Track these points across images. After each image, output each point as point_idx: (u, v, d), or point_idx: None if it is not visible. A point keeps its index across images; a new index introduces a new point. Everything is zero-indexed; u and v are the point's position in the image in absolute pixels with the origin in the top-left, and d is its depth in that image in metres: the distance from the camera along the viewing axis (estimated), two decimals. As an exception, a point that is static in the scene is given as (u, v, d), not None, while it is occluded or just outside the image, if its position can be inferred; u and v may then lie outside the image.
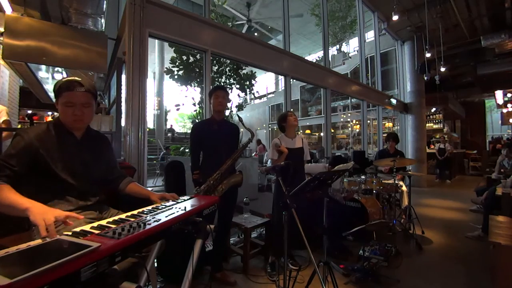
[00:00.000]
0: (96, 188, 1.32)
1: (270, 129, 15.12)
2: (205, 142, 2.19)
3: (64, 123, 1.22)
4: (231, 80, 5.74)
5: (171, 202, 1.29)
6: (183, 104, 5.93)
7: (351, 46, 14.18)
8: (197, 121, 5.18)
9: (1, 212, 0.98)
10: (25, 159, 1.10)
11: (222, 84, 5.52)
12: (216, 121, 2.22)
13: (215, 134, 2.17)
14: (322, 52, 6.14)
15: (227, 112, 5.64)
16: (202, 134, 2.21)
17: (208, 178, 1.97)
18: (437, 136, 11.85)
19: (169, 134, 13.23)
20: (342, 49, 14.02)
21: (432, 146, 10.55)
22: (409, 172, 3.64)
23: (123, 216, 1.06)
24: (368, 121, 9.02)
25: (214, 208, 1.36)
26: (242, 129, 2.39)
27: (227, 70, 5.69)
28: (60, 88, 1.16)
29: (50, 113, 7.12)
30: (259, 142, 9.91)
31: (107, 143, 1.46)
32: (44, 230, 0.81)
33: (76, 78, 1.18)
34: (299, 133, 14.06)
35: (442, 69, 6.98)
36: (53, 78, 4.17)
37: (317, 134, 14.43)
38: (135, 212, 1.12)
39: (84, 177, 1.25)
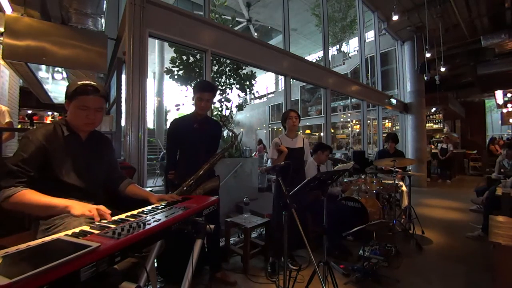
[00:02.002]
0: (98, 188, 1.33)
1: (270, 129, 15.12)
2: (183, 141, 2.06)
3: (73, 124, 1.24)
4: (231, 80, 5.73)
5: (170, 202, 1.29)
6: (183, 104, 5.92)
7: (351, 46, 14.18)
8: None
9: (32, 213, 1.09)
10: (38, 162, 1.11)
11: (222, 84, 5.51)
12: (197, 119, 2.09)
13: (194, 133, 2.04)
14: (322, 52, 6.14)
15: (227, 112, 5.64)
16: (180, 131, 2.07)
17: (183, 179, 1.84)
18: (437, 136, 11.85)
19: None
20: (342, 49, 14.02)
21: (432, 146, 10.54)
22: (409, 172, 3.64)
23: (123, 216, 1.06)
24: (368, 121, 9.03)
25: (214, 208, 1.37)
26: (242, 129, 2.37)
27: (227, 70, 5.68)
28: (76, 91, 1.17)
29: (50, 113, 7.12)
30: (260, 142, 9.92)
31: (109, 144, 1.47)
32: (97, 217, 0.98)
33: (92, 83, 1.20)
34: (299, 133, 14.05)
35: (442, 69, 6.98)
36: (53, 78, 4.18)
37: (317, 134, 14.44)
38: (135, 212, 1.12)
39: (88, 178, 1.26)
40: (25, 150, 1.10)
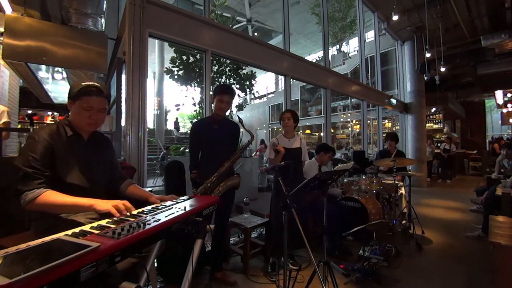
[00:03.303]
0: (101, 188, 1.33)
1: (270, 129, 15.12)
2: (204, 142, 2.16)
3: (76, 124, 1.25)
4: (231, 80, 5.73)
5: (170, 202, 1.29)
6: (183, 104, 5.93)
7: (351, 46, 14.20)
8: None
9: (57, 212, 1.10)
10: (48, 161, 1.13)
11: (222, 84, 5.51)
12: (216, 120, 2.19)
13: (214, 133, 2.15)
14: (322, 52, 6.14)
15: (227, 112, 5.64)
16: (201, 133, 2.18)
17: (205, 177, 1.95)
18: (437, 136, 11.84)
19: (174, 131, 13.16)
20: (342, 49, 14.03)
21: (433, 146, 10.54)
22: (409, 172, 3.64)
23: (122, 216, 1.06)
24: (368, 121, 9.03)
25: (214, 208, 1.36)
26: (242, 130, 2.38)
27: (227, 70, 5.68)
28: (80, 91, 1.18)
29: (50, 113, 7.11)
30: (262, 142, 9.89)
31: (110, 145, 1.48)
32: (117, 213, 1.02)
33: (96, 84, 1.22)
34: (299, 133, 14.07)
35: (442, 69, 6.98)
36: (53, 78, 4.17)
37: (317, 134, 14.44)
38: (135, 212, 1.12)
39: (91, 178, 1.26)
40: (34, 151, 1.10)
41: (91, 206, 1.05)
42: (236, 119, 2.62)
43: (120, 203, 1.07)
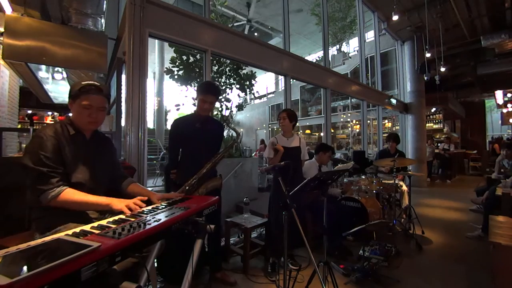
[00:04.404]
0: (101, 187, 1.34)
1: (270, 129, 15.12)
2: (185, 140, 2.05)
3: (77, 123, 1.26)
4: (231, 80, 5.73)
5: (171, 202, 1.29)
6: (183, 104, 5.91)
7: (351, 46, 14.19)
8: None
9: (75, 209, 1.14)
10: (59, 158, 1.15)
11: (222, 84, 5.50)
12: (199, 119, 2.08)
13: (196, 132, 2.04)
14: (322, 52, 6.14)
15: (227, 112, 5.63)
16: (182, 131, 2.06)
17: (185, 179, 1.81)
18: (437, 136, 11.84)
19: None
20: (342, 49, 14.02)
21: (433, 146, 10.55)
22: (409, 172, 3.64)
23: (123, 216, 1.07)
24: (368, 121, 9.02)
25: (214, 208, 1.37)
26: (241, 129, 2.37)
27: (227, 70, 5.67)
28: (80, 90, 1.20)
29: (50, 113, 7.12)
30: (262, 141, 9.91)
31: (111, 144, 1.50)
32: (129, 212, 1.09)
33: (96, 83, 1.24)
34: (299, 133, 14.07)
35: (442, 69, 6.98)
36: (53, 78, 4.17)
37: (317, 134, 14.44)
38: (135, 212, 1.12)
39: (94, 177, 1.28)
40: (45, 149, 1.11)
41: (108, 205, 1.12)
42: (236, 119, 2.60)
43: (131, 202, 1.13)
